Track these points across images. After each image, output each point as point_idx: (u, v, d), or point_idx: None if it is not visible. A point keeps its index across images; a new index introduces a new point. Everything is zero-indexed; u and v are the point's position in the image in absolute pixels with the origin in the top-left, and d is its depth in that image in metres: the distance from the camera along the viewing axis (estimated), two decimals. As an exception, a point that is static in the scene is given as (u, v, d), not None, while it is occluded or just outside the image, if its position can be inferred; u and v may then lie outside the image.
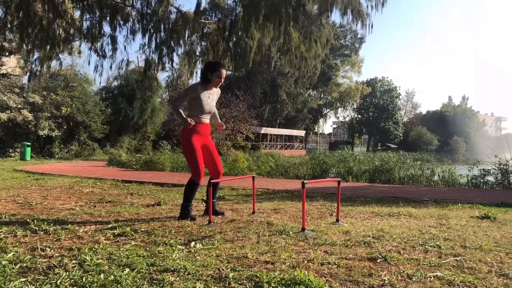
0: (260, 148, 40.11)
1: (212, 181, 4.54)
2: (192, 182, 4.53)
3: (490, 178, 10.50)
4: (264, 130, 48.92)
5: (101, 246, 3.20)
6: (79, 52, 15.41)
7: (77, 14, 11.18)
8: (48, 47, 10.31)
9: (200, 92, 4.54)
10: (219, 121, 4.97)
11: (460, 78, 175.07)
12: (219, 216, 4.64)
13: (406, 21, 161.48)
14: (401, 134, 69.58)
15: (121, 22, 10.42)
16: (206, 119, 4.67)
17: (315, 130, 69.01)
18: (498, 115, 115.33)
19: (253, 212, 4.95)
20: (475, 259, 2.89)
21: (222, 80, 4.62)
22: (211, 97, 4.65)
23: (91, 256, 2.87)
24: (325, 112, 67.32)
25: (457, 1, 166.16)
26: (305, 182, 3.92)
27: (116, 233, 3.72)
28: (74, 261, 2.78)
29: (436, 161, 18.91)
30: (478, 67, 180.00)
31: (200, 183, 4.54)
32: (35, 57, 11.32)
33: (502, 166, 10.34)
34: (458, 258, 2.91)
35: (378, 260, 2.83)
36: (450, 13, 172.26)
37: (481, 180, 10.48)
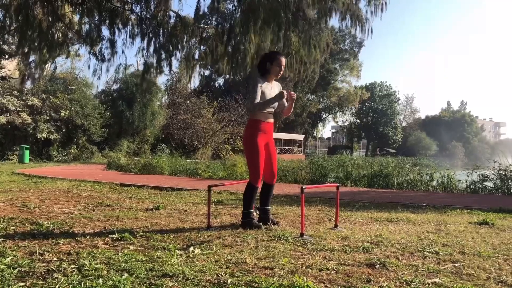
0: (259, 152, 40.03)
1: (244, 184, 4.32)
2: (251, 186, 4.27)
3: (489, 184, 10.49)
4: (263, 134, 48.81)
5: (99, 250, 3.20)
6: (78, 56, 15.46)
7: (76, 17, 11.20)
8: (45, 50, 10.32)
9: (262, 85, 4.27)
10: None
11: (458, 83, 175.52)
12: (274, 226, 4.30)
13: (405, 26, 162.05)
14: (400, 139, 69.67)
15: (120, 26, 10.44)
16: (270, 114, 4.38)
17: (314, 135, 69.05)
18: (496, 120, 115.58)
19: (252, 217, 4.93)
20: (474, 266, 2.89)
21: (282, 69, 4.36)
22: (273, 90, 4.36)
23: (89, 260, 2.87)
24: (324, 116, 67.37)
25: (455, 6, 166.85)
26: (304, 187, 3.92)
27: (114, 238, 3.71)
28: (72, 266, 2.78)
29: (434, 166, 18.91)
30: (476, 72, 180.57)
31: (258, 186, 4.29)
32: (31, 59, 11.35)
33: (501, 172, 10.34)
34: (456, 265, 2.91)
35: (377, 266, 2.83)
36: (449, 18, 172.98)
37: (480, 186, 10.47)
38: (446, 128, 72.99)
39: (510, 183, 10.09)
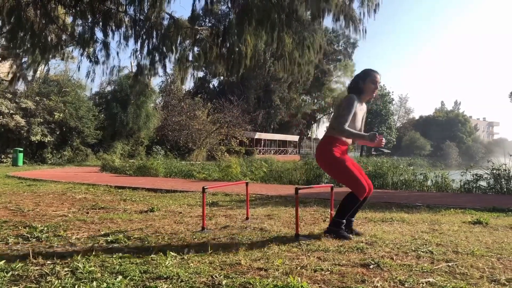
0: (254, 153, 40.17)
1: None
2: (355, 198, 3.80)
3: (483, 183, 10.54)
4: (258, 135, 49.01)
5: (93, 253, 3.19)
6: (72, 58, 15.40)
7: (69, 19, 11.16)
8: (38, 52, 10.28)
9: (356, 104, 3.83)
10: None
11: (452, 83, 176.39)
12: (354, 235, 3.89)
13: (398, 27, 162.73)
14: (394, 139, 69.84)
15: (114, 28, 10.41)
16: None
17: (308, 135, 69.13)
18: (490, 120, 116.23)
19: (247, 218, 4.95)
20: (467, 265, 2.90)
21: (378, 86, 3.95)
22: (361, 112, 3.95)
23: (83, 263, 2.85)
24: (318, 117, 67.49)
25: (451, 7, 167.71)
26: (298, 188, 3.92)
27: (109, 240, 3.70)
28: (66, 269, 2.76)
29: (429, 166, 19.00)
30: (470, 72, 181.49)
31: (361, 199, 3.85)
32: (24, 61, 11.31)
33: (494, 171, 10.39)
34: (450, 264, 2.92)
35: (371, 266, 2.84)
36: (443, 19, 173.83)
37: (474, 185, 10.52)
38: (440, 128, 73.38)
39: (503, 182, 10.15)
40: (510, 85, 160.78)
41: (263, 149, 50.33)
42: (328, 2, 9.33)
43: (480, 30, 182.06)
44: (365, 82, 3.90)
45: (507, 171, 10.27)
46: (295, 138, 59.52)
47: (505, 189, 9.95)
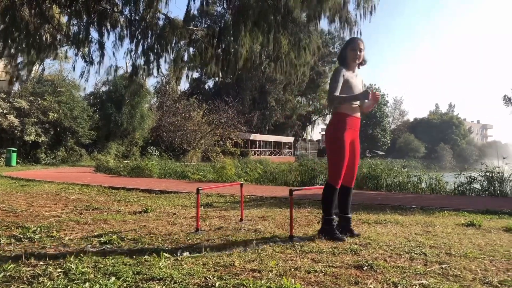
0: (248, 155, 40.18)
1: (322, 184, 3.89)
2: (331, 187, 3.84)
3: (476, 186, 10.58)
4: (253, 136, 49.02)
5: (86, 254, 3.17)
6: (67, 57, 15.32)
7: (64, 19, 11.11)
8: (33, 52, 10.22)
9: (345, 73, 3.95)
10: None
11: (447, 86, 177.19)
12: (352, 236, 3.92)
13: (395, 28, 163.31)
14: (389, 141, 70.05)
15: (109, 28, 10.37)
16: (358, 107, 4.00)
17: (303, 137, 69.23)
18: (484, 123, 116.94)
19: (241, 220, 4.94)
20: (460, 267, 2.91)
21: (358, 52, 3.99)
22: (357, 78, 4.07)
23: (76, 264, 2.84)
24: (313, 118, 67.58)
25: (448, 6, 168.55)
26: (292, 189, 3.92)
27: (102, 241, 3.69)
28: (59, 270, 2.75)
29: (423, 168, 19.06)
30: (464, 75, 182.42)
31: (338, 188, 3.86)
32: (19, 61, 11.25)
33: (488, 174, 10.44)
34: (443, 266, 2.93)
35: (365, 268, 2.85)
36: (438, 21, 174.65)
37: (467, 188, 10.56)
38: (434, 130, 73.69)
39: (497, 185, 10.19)
40: (504, 88, 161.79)
41: (258, 150, 50.36)
42: (323, 4, 9.33)
43: (474, 34, 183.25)
44: (346, 50, 4.08)
45: (500, 174, 10.32)
46: (290, 139, 59.58)
47: (498, 192, 10.00)
